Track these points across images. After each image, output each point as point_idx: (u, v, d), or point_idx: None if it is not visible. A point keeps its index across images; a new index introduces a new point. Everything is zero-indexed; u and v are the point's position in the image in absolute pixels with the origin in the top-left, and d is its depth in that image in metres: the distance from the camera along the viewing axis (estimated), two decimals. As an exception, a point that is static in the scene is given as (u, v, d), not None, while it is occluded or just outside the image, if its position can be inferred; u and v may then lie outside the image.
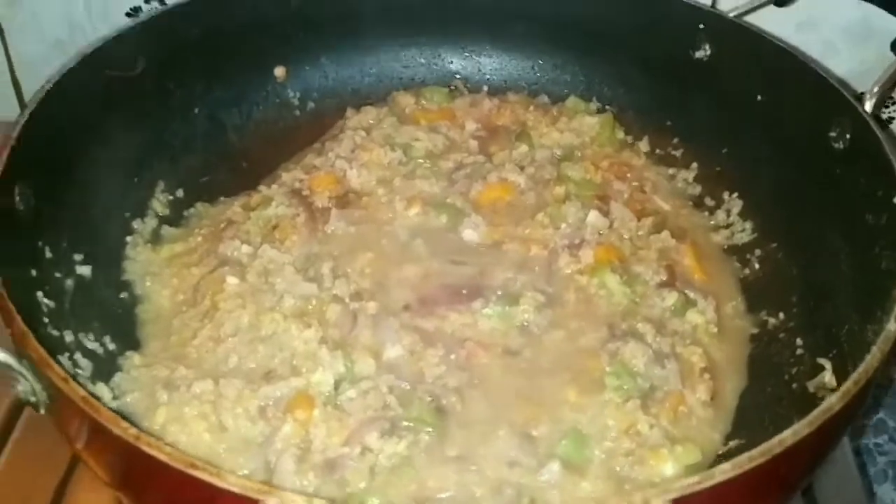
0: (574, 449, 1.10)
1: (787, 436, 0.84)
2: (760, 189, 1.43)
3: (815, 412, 0.85)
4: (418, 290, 1.28)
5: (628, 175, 1.50)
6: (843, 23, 1.67)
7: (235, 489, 0.78)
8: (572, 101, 1.62)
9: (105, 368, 1.17)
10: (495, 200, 1.43)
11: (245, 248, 1.31)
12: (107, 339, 1.21)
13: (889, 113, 1.78)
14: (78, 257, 1.25)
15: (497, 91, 1.66)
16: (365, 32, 1.62)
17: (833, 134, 1.27)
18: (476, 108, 1.60)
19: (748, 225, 1.43)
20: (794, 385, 1.18)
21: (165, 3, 1.76)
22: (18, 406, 1.31)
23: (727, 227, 1.45)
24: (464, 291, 1.28)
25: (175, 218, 1.43)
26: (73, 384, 0.85)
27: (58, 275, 1.20)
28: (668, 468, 1.09)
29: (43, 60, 1.83)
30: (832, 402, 0.87)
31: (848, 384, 0.88)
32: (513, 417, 1.14)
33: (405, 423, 1.10)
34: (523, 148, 1.52)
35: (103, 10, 1.78)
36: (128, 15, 1.80)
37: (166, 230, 1.40)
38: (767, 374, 1.23)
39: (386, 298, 1.27)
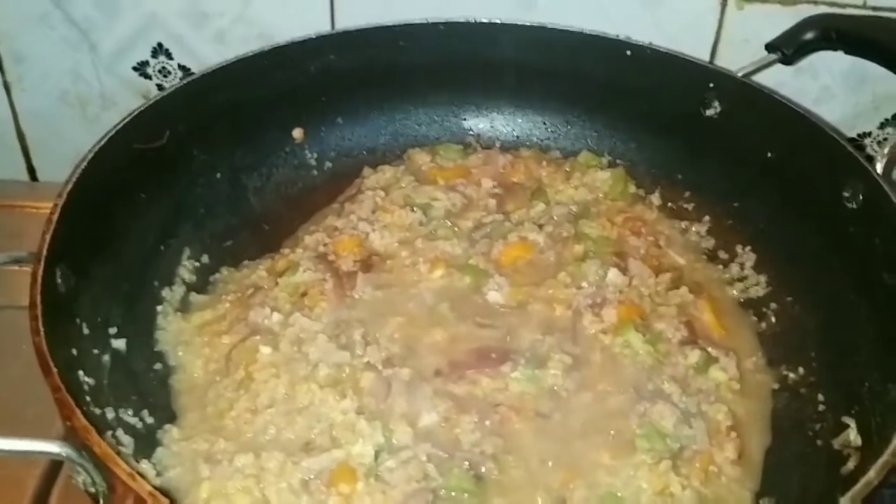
0: (610, 513, 1.13)
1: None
2: (773, 243, 1.47)
3: (858, 487, 0.89)
4: (448, 355, 1.31)
5: (643, 230, 1.53)
6: (840, 68, 1.72)
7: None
8: (584, 156, 1.65)
9: (146, 444, 1.18)
10: (516, 260, 1.46)
11: (276, 317, 1.33)
12: (145, 412, 1.22)
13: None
14: (112, 331, 1.27)
15: (509, 146, 1.69)
16: (379, 93, 1.65)
17: (846, 194, 1.32)
18: (490, 166, 1.63)
19: (762, 278, 1.47)
20: (819, 442, 1.22)
21: (172, 58, 1.79)
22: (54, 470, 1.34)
23: (741, 280, 1.48)
24: (493, 355, 1.30)
25: (202, 284, 1.45)
26: (140, 481, 0.87)
27: (95, 351, 1.22)
28: (704, 530, 1.12)
29: (48, 112, 1.87)
30: (871, 477, 0.90)
31: (885, 458, 0.92)
32: (549, 482, 1.16)
33: (444, 493, 1.13)
34: (540, 206, 1.55)
35: (109, 63, 1.81)
36: (134, 69, 1.82)
37: (194, 297, 1.42)
38: (791, 430, 1.26)
39: (417, 364, 1.29)
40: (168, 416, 1.25)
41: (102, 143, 1.29)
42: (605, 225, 1.52)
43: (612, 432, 1.22)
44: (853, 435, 1.17)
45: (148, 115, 1.37)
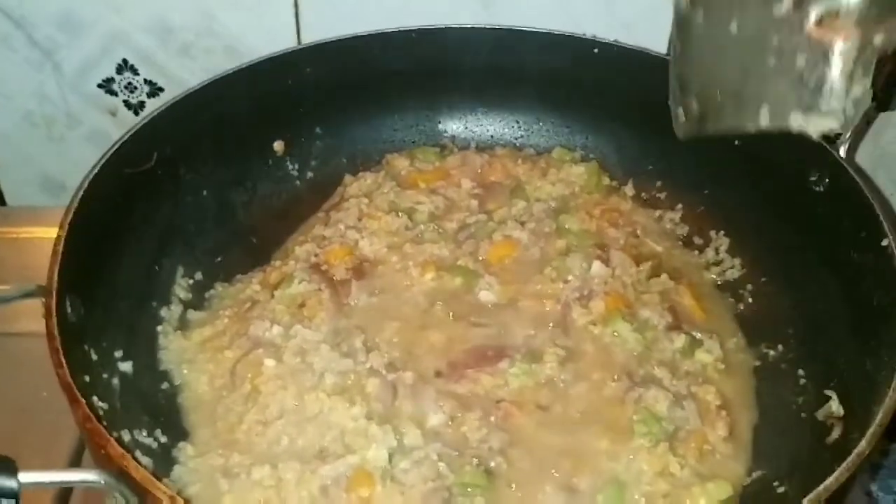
0: (616, 497, 1.19)
1: (832, 482, 0.94)
2: (744, 227, 1.54)
3: (851, 458, 0.96)
4: (447, 356, 1.36)
5: (620, 221, 1.59)
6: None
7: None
8: (558, 151, 1.71)
9: (163, 463, 1.21)
10: (503, 258, 1.51)
11: (276, 329, 1.36)
12: (158, 432, 1.25)
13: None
14: (118, 354, 1.29)
15: (484, 146, 1.74)
16: (355, 101, 1.68)
17: (812, 178, 1.39)
18: (468, 166, 1.68)
19: (737, 261, 1.54)
20: (803, 414, 1.29)
21: (138, 73, 1.80)
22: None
23: (717, 264, 1.56)
24: (489, 353, 1.35)
25: (198, 301, 1.47)
26: (179, 501, 0.90)
27: (105, 375, 1.24)
28: (704, 505, 1.19)
29: (13, 133, 1.87)
30: (863, 447, 0.97)
31: (874, 428, 0.99)
32: (555, 472, 1.22)
33: (458, 489, 1.18)
34: (521, 204, 1.60)
35: (74, 82, 1.81)
36: (100, 87, 1.83)
37: (192, 314, 1.45)
38: (776, 405, 1.33)
39: (418, 366, 1.34)
40: (181, 433, 1.28)
41: (96, 170, 1.31)
42: (585, 218, 1.57)
43: (609, 419, 1.28)
44: (835, 406, 1.24)
45: (135, 139, 1.39)
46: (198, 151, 1.51)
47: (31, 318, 1.20)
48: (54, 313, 1.09)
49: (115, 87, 1.82)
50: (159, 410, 1.30)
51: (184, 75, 1.80)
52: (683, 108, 1.25)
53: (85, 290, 1.23)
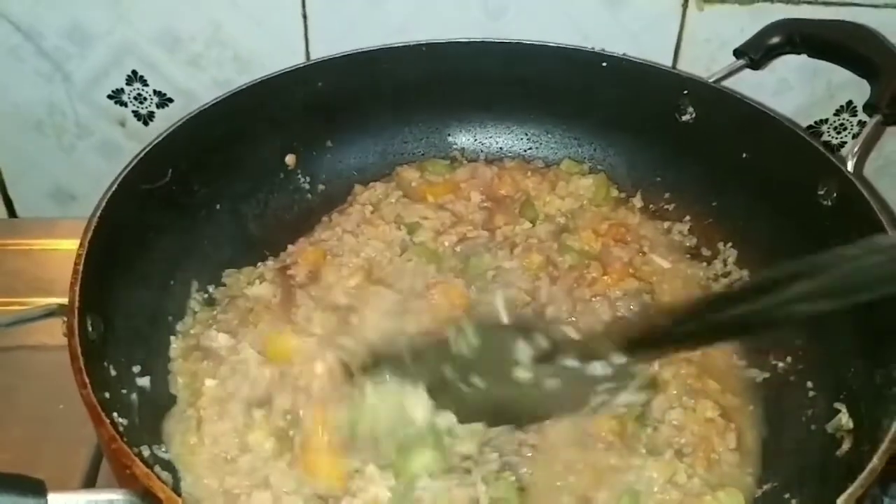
0: (632, 507, 1.22)
1: (845, 498, 0.96)
2: (753, 239, 1.55)
3: (864, 475, 0.98)
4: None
5: (627, 237, 1.59)
6: (796, 62, 1.80)
7: None
8: (566, 163, 1.72)
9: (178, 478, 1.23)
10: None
11: (222, 339, 1.37)
12: (175, 448, 1.27)
13: (841, 138, 1.92)
14: (136, 370, 1.31)
15: (493, 158, 1.76)
16: (366, 115, 1.70)
17: (820, 192, 1.41)
18: (478, 179, 1.69)
19: (745, 273, 1.55)
20: (813, 427, 1.30)
21: (147, 84, 1.81)
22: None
23: (725, 276, 1.56)
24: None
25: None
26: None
27: (124, 391, 1.26)
28: (718, 515, 1.20)
29: (22, 142, 1.89)
30: (875, 465, 0.99)
31: (885, 444, 1.01)
32: (572, 486, 1.24)
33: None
34: (526, 224, 1.60)
35: (83, 93, 1.83)
36: (109, 97, 1.84)
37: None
38: (785, 417, 1.34)
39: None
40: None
41: (114, 187, 1.32)
42: (590, 238, 1.56)
43: (616, 429, 1.28)
44: (845, 419, 1.25)
45: (151, 155, 1.40)
46: (211, 166, 1.52)
47: (44, 331, 1.23)
48: (76, 333, 1.10)
49: (124, 97, 1.84)
50: (175, 425, 1.31)
51: (193, 86, 1.81)
52: None
53: (104, 307, 1.24)
